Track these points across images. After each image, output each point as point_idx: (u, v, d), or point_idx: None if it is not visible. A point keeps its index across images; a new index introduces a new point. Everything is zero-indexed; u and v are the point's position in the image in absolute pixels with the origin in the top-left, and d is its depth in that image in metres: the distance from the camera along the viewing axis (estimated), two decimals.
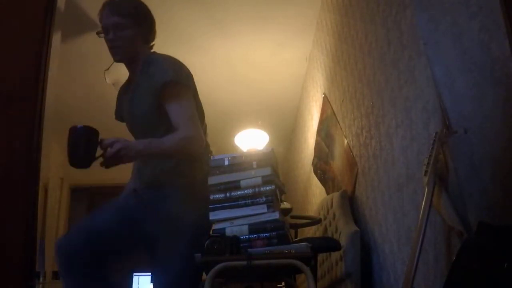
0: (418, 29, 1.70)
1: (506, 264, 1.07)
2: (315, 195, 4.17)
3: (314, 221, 2.94)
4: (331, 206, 2.77)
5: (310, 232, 3.40)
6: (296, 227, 2.81)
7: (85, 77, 4.29)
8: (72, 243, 1.61)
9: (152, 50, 1.97)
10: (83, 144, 1.46)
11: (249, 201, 1.95)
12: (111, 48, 1.73)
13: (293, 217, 2.79)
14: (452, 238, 1.51)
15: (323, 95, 3.61)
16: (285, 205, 2.38)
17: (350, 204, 2.69)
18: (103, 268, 1.65)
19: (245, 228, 1.93)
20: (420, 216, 1.44)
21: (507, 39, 1.24)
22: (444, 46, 1.55)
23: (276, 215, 1.92)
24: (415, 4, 1.71)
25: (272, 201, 1.93)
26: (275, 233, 1.91)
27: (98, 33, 1.71)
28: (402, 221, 1.96)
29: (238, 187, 1.98)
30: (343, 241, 2.35)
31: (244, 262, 1.80)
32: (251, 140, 4.98)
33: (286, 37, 3.99)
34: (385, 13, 2.11)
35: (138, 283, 5.75)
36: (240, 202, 1.96)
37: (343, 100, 3.00)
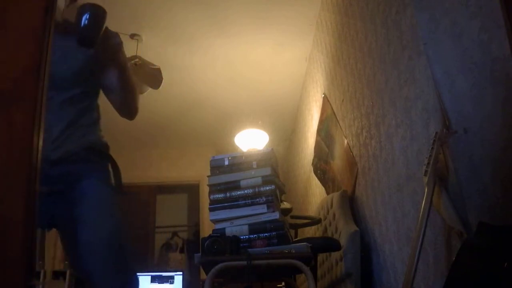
0: (418, 29, 1.70)
1: (506, 264, 1.07)
2: (315, 195, 4.16)
3: (314, 221, 2.94)
4: (331, 206, 2.77)
5: (310, 232, 3.40)
6: (296, 227, 2.81)
7: None
8: None
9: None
10: (99, 21, 1.42)
11: (249, 201, 1.95)
12: None
13: (293, 217, 2.79)
14: (452, 238, 1.51)
15: (323, 95, 3.61)
16: (285, 205, 2.38)
17: (350, 204, 2.69)
18: None
19: (245, 228, 1.93)
20: (420, 216, 1.44)
21: (507, 39, 1.24)
22: (444, 46, 1.55)
23: (276, 215, 1.92)
24: (415, 4, 1.71)
25: (272, 201, 1.93)
26: (275, 233, 1.91)
27: None
28: (402, 221, 1.96)
29: (238, 187, 1.98)
30: (343, 241, 2.35)
31: (244, 262, 1.80)
32: (251, 140, 4.98)
33: (286, 37, 3.99)
34: (385, 13, 2.11)
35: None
36: (240, 202, 1.96)
37: (343, 100, 3.00)
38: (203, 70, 4.34)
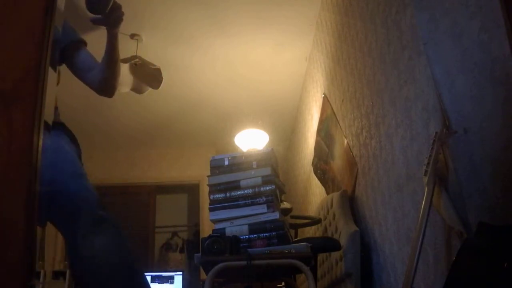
0: (418, 29, 1.70)
1: (506, 264, 1.07)
2: (315, 195, 4.16)
3: (314, 221, 2.94)
4: (331, 206, 2.77)
5: (310, 232, 3.40)
6: (296, 227, 2.81)
7: None
8: None
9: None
10: None
11: (249, 201, 1.95)
12: None
13: (293, 217, 2.79)
14: (452, 238, 1.51)
15: (323, 95, 3.61)
16: (285, 205, 2.38)
17: (350, 204, 2.69)
18: None
19: (245, 228, 1.93)
20: (420, 216, 1.44)
21: (507, 39, 1.24)
22: (444, 46, 1.55)
23: (276, 215, 1.92)
24: (415, 4, 1.71)
25: (272, 201, 1.93)
26: (275, 233, 1.91)
27: None
28: (402, 221, 1.96)
29: (238, 187, 1.98)
30: (343, 241, 2.35)
31: (244, 262, 1.80)
32: (251, 140, 4.98)
33: (286, 37, 3.99)
34: (385, 13, 2.11)
35: None
36: (240, 202, 1.96)
37: (343, 100, 3.00)
38: (203, 70, 4.34)
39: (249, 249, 1.88)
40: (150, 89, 3.67)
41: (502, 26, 1.25)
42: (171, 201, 6.47)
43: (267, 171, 1.97)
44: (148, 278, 4.35)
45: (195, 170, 5.54)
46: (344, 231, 2.42)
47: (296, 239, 2.51)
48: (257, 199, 1.94)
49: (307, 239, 2.27)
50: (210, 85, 4.63)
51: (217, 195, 2.00)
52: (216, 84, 4.62)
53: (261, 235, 1.91)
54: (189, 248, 5.92)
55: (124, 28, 3.36)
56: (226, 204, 1.97)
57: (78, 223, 1.44)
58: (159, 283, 4.35)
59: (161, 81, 3.62)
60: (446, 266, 1.53)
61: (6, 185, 0.70)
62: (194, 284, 4.90)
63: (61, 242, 4.45)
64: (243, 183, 1.98)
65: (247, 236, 1.92)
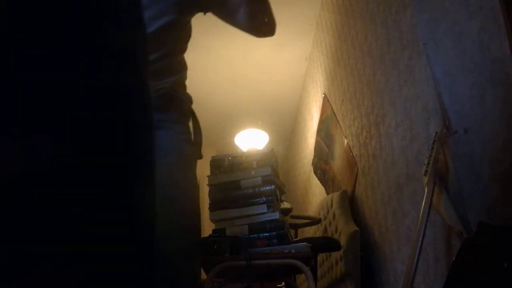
0: (418, 29, 1.70)
1: (506, 264, 1.07)
2: (315, 195, 4.16)
3: (314, 221, 2.94)
4: (331, 206, 2.77)
5: (310, 232, 3.40)
6: (296, 227, 2.81)
7: None
8: None
9: None
10: None
11: (249, 201, 1.95)
12: None
13: (293, 217, 2.79)
14: (452, 238, 1.51)
15: (323, 95, 3.61)
16: (285, 205, 2.38)
17: (350, 204, 2.69)
18: None
19: (245, 228, 1.93)
20: (420, 216, 1.44)
21: (507, 39, 1.24)
22: (444, 46, 1.55)
23: (276, 215, 1.92)
24: (415, 4, 1.71)
25: (272, 201, 1.93)
26: (275, 233, 1.91)
27: None
28: (402, 221, 1.96)
29: (238, 187, 1.98)
30: (343, 241, 2.35)
31: (244, 262, 1.80)
32: (251, 140, 4.98)
33: (286, 37, 3.99)
34: (385, 13, 2.11)
35: None
36: (240, 202, 1.96)
37: (343, 100, 3.00)
38: (203, 70, 4.34)
39: (249, 249, 1.88)
40: None
41: (502, 26, 1.25)
42: None
43: (267, 171, 1.97)
44: None
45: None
46: (344, 231, 2.42)
47: (296, 239, 2.51)
48: (257, 199, 1.94)
49: (307, 239, 2.27)
50: (210, 85, 4.63)
51: (217, 195, 2.00)
52: (216, 84, 4.62)
53: (261, 235, 1.91)
54: None
55: None
56: (226, 204, 1.97)
57: None
58: None
59: None
60: (446, 266, 1.53)
61: None
62: None
63: None
64: (243, 183, 1.98)
65: (247, 236, 1.92)
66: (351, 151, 2.79)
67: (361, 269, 2.31)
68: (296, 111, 5.21)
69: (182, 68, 1.37)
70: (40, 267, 0.36)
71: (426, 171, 1.49)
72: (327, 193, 3.40)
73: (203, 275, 1.88)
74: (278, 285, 2.74)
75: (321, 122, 3.65)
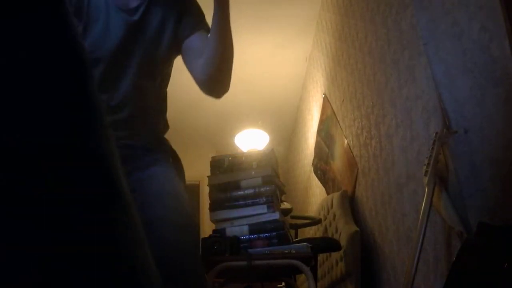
0: (418, 29, 1.70)
1: (506, 264, 1.07)
2: (315, 195, 4.16)
3: (314, 221, 2.94)
4: (331, 206, 2.77)
5: (310, 232, 3.40)
6: (296, 227, 2.81)
7: None
8: None
9: None
10: None
11: (249, 201, 1.95)
12: None
13: (293, 217, 2.79)
14: (452, 238, 1.51)
15: (323, 95, 3.61)
16: (285, 205, 2.38)
17: (350, 204, 2.69)
18: None
19: (245, 228, 1.93)
20: (420, 216, 1.44)
21: (507, 39, 1.24)
22: (444, 46, 1.55)
23: (276, 215, 1.92)
24: (415, 4, 1.71)
25: (272, 201, 1.93)
26: (275, 233, 1.91)
27: None
28: (402, 221, 1.96)
29: (238, 187, 1.98)
30: (343, 241, 2.35)
31: (244, 262, 1.80)
32: (251, 140, 4.98)
33: (286, 37, 3.99)
34: (385, 13, 2.11)
35: None
36: (240, 202, 1.96)
37: (343, 100, 3.00)
38: None
39: (249, 249, 1.88)
40: None
41: (502, 26, 1.25)
42: None
43: (267, 171, 1.97)
44: None
45: (195, 170, 5.52)
46: (344, 231, 2.42)
47: (296, 239, 2.51)
48: (257, 199, 1.94)
49: (307, 239, 2.27)
50: None
51: (217, 195, 2.00)
52: None
53: (261, 235, 1.91)
54: None
55: None
56: (226, 204, 1.97)
57: None
58: None
59: None
60: (446, 266, 1.53)
61: None
62: None
63: None
64: (243, 183, 1.98)
65: (247, 236, 1.92)
66: (351, 151, 2.79)
67: (361, 269, 2.31)
68: (296, 111, 5.21)
69: (166, 108, 1.47)
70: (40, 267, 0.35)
71: (426, 171, 1.49)
72: (327, 193, 3.40)
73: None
74: (278, 285, 2.74)
75: (321, 122, 3.65)
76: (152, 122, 1.38)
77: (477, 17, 1.38)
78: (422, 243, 1.41)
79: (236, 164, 2.03)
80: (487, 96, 1.35)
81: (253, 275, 2.04)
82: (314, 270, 2.38)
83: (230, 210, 1.95)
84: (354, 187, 2.73)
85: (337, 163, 3.17)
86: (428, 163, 1.48)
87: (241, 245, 1.89)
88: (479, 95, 1.39)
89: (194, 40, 1.35)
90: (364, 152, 2.53)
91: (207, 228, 5.25)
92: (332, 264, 2.61)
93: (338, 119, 3.13)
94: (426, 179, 1.48)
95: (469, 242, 1.25)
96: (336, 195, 2.77)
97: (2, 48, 0.35)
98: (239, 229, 1.93)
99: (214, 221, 2.00)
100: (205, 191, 2.07)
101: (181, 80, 1.83)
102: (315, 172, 3.89)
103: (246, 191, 1.96)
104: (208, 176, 2.06)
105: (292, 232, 2.56)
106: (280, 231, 1.91)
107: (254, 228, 1.91)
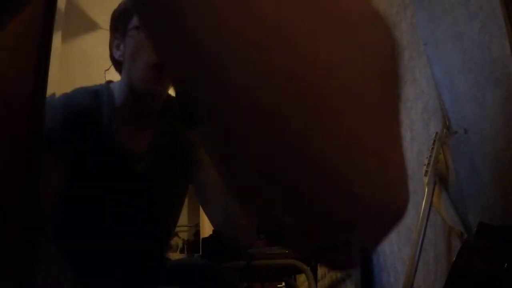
0: (418, 29, 1.70)
1: (506, 264, 1.07)
2: None
3: None
4: None
5: None
6: None
7: (86, 78, 4.29)
8: None
9: None
10: None
11: None
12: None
13: None
14: (452, 238, 1.51)
15: None
16: None
17: None
18: None
19: None
20: (420, 216, 1.44)
21: (507, 39, 1.24)
22: (444, 46, 1.55)
23: None
24: (415, 4, 1.71)
25: None
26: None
27: None
28: (402, 221, 1.95)
29: None
30: None
31: (244, 262, 1.80)
32: None
33: None
34: (385, 13, 2.10)
35: None
36: None
37: None
38: None
39: (249, 249, 1.88)
40: None
41: (502, 26, 1.25)
42: None
43: None
44: None
45: None
46: None
47: None
48: None
49: None
50: None
51: None
52: None
53: (261, 235, 1.91)
54: (190, 248, 5.92)
55: None
56: None
57: None
58: None
59: None
60: (446, 266, 1.53)
61: (6, 185, 0.71)
62: None
63: None
64: None
65: None
66: None
67: (361, 269, 2.31)
68: None
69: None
70: None
71: (426, 171, 1.49)
72: None
73: None
74: (278, 285, 2.74)
75: None
76: None
77: (477, 17, 1.38)
78: (422, 243, 1.41)
79: None
80: (487, 96, 1.35)
81: (253, 275, 2.04)
82: (314, 270, 2.38)
83: None
84: None
85: None
86: (428, 163, 1.48)
87: (241, 245, 1.89)
88: (479, 95, 1.39)
89: None
90: None
91: (207, 228, 5.25)
92: None
93: None
94: (426, 179, 1.48)
95: (469, 242, 1.25)
96: None
97: None
98: None
99: None
100: None
101: None
102: None
103: None
104: None
105: None
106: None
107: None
